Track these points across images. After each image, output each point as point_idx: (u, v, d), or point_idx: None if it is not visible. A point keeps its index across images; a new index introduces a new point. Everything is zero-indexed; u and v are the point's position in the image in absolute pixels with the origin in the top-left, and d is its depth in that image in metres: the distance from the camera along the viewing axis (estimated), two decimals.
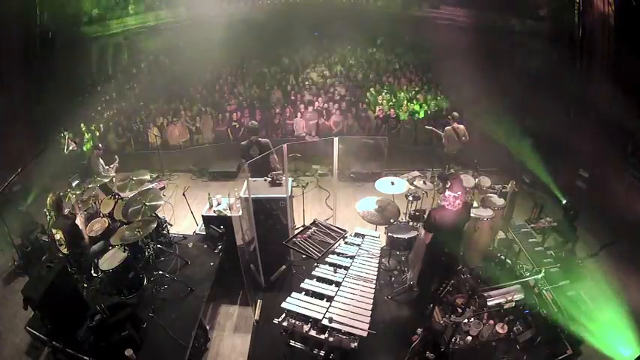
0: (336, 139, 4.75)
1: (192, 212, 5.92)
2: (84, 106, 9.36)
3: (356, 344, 3.05)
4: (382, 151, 8.65)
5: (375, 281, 3.72)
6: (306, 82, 10.62)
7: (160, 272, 4.55)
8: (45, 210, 4.87)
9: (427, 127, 8.36)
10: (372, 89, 10.04)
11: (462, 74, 10.59)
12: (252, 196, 4.49)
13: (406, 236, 4.77)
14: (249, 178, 4.43)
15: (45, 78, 8.13)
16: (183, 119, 9.43)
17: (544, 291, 4.04)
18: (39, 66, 8.19)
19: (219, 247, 5.04)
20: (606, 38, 6.89)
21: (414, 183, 5.12)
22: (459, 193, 3.67)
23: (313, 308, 3.35)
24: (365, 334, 3.10)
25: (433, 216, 3.78)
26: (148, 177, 5.57)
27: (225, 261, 5.04)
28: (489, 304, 3.58)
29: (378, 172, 7.89)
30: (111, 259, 4.16)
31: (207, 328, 4.40)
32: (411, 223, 5.14)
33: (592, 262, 5.21)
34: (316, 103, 9.69)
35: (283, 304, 3.39)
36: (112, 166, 6.33)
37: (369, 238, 4.40)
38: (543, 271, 3.90)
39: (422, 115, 9.32)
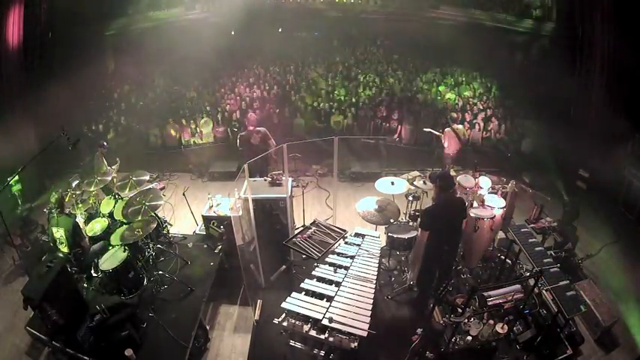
0: (336, 139, 4.75)
1: (192, 212, 5.92)
2: (84, 106, 9.38)
3: (356, 344, 3.05)
4: (382, 151, 8.67)
5: (375, 281, 3.72)
6: (305, 82, 10.61)
7: (160, 272, 4.56)
8: (46, 209, 4.87)
9: (425, 129, 8.36)
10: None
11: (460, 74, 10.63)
12: (252, 196, 4.49)
13: (406, 236, 4.77)
14: (249, 178, 4.44)
15: (45, 78, 8.12)
16: (183, 119, 9.43)
17: (544, 291, 4.04)
18: (39, 66, 8.18)
19: (219, 247, 5.04)
20: (606, 37, 6.88)
21: (414, 183, 5.12)
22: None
23: (313, 308, 3.35)
24: (365, 334, 3.10)
25: (428, 213, 3.84)
26: (147, 177, 5.57)
27: (225, 261, 5.05)
28: (489, 304, 3.58)
29: (378, 172, 7.89)
30: (111, 259, 4.16)
31: (207, 328, 4.40)
32: (411, 223, 5.14)
33: (592, 262, 5.23)
34: (315, 103, 9.69)
35: (283, 304, 3.39)
36: (114, 167, 6.32)
37: (369, 238, 4.40)
38: None
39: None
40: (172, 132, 9.13)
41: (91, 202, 5.36)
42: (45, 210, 4.91)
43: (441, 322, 3.64)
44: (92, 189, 5.50)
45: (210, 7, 10.55)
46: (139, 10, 9.87)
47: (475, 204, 4.63)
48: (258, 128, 6.09)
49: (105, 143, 6.55)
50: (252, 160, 4.33)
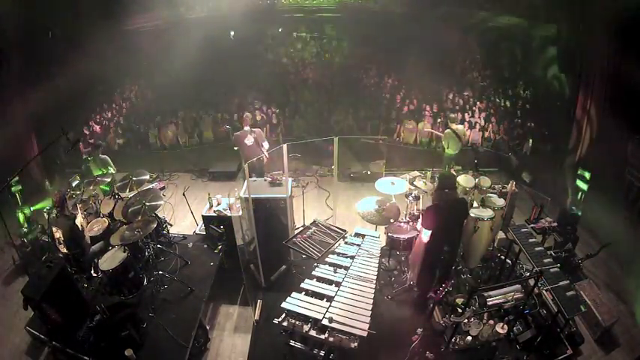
0: (336, 139, 4.75)
1: (192, 212, 5.92)
2: (84, 106, 9.38)
3: (356, 344, 3.05)
4: (382, 152, 8.67)
5: (375, 281, 3.72)
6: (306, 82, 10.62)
7: (160, 272, 4.56)
8: (45, 210, 4.87)
9: (426, 129, 8.37)
10: None
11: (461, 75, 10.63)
12: (252, 196, 4.49)
13: (406, 236, 4.77)
14: (249, 178, 4.44)
15: (45, 78, 8.12)
16: (182, 120, 9.46)
17: (544, 291, 4.04)
18: (39, 66, 8.18)
19: (219, 247, 5.05)
20: (606, 38, 6.88)
21: (414, 183, 5.12)
22: (447, 190, 3.82)
23: (313, 308, 3.35)
24: (365, 334, 3.10)
25: (430, 212, 3.82)
26: (147, 177, 5.57)
27: (225, 261, 5.05)
28: (489, 304, 3.58)
29: (378, 172, 7.89)
30: (111, 259, 4.17)
31: (207, 328, 4.40)
32: (411, 223, 5.13)
33: (591, 262, 5.23)
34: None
35: (283, 304, 3.39)
36: (110, 169, 6.33)
37: (369, 238, 4.40)
38: None
39: None
40: (169, 133, 9.15)
41: (91, 202, 5.36)
42: (45, 210, 4.91)
43: (441, 322, 3.64)
44: (92, 189, 5.50)
45: (210, 7, 10.54)
46: (139, 9, 9.86)
47: (475, 204, 4.64)
48: (253, 129, 6.09)
49: (101, 142, 6.54)
50: (250, 161, 4.33)
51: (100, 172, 6.24)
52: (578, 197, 6.41)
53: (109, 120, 9.57)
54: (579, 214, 5.42)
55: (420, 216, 4.51)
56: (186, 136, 9.39)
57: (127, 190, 5.32)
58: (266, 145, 5.99)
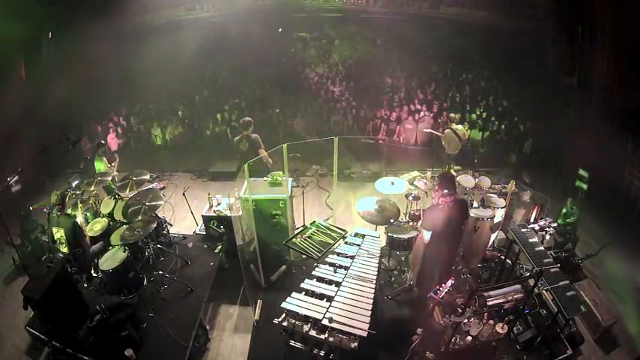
0: (336, 139, 4.75)
1: (192, 212, 5.92)
2: (84, 106, 9.38)
3: (356, 344, 3.05)
4: (382, 152, 8.67)
5: (375, 281, 3.72)
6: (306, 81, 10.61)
7: (160, 272, 4.56)
8: (45, 210, 4.87)
9: (425, 129, 8.37)
10: None
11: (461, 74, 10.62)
12: (252, 196, 4.49)
13: (406, 236, 4.77)
14: (249, 178, 4.43)
15: (46, 77, 8.12)
16: (182, 119, 9.46)
17: (544, 291, 4.04)
18: (39, 65, 8.18)
19: (219, 247, 5.04)
20: (606, 38, 6.88)
21: (414, 183, 5.12)
22: (446, 191, 3.74)
23: (313, 308, 3.35)
24: (365, 334, 3.10)
25: (428, 214, 3.85)
26: (147, 177, 5.57)
27: (225, 261, 5.05)
28: (489, 304, 3.58)
29: (378, 172, 7.89)
30: (111, 259, 4.17)
31: (207, 328, 4.40)
32: (411, 223, 5.13)
33: (591, 262, 5.23)
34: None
35: (283, 304, 3.39)
36: (113, 164, 6.32)
37: (369, 238, 4.40)
38: None
39: None
40: (176, 132, 9.14)
41: (91, 202, 5.36)
42: (45, 210, 4.90)
43: (441, 322, 3.64)
44: (92, 189, 5.49)
45: (211, 7, 10.54)
46: (139, 10, 9.86)
47: (475, 204, 4.64)
48: (250, 134, 5.77)
49: (103, 142, 6.53)
50: (252, 161, 4.32)
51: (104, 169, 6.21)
52: (578, 197, 6.41)
53: (109, 119, 9.57)
54: (574, 213, 5.42)
55: (420, 216, 4.51)
56: (188, 135, 9.39)
57: (127, 190, 5.32)
58: (262, 152, 5.62)
